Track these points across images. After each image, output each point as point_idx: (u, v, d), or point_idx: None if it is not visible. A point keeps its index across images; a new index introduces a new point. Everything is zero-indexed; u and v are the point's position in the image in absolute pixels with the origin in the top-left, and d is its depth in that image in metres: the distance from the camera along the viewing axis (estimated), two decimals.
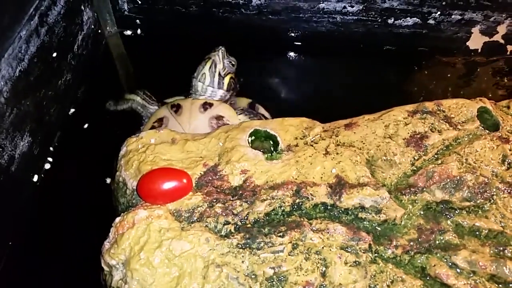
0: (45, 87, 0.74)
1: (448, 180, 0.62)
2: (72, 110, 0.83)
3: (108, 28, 0.97)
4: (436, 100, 0.71)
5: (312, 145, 0.66)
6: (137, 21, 0.95)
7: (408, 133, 0.67)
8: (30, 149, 0.70)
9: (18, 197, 0.68)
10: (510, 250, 0.57)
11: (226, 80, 0.78)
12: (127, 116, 0.85)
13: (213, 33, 0.96)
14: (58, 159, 0.76)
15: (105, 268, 0.55)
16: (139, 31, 0.97)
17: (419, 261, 0.56)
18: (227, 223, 0.57)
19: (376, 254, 0.56)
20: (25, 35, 0.66)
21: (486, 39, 0.92)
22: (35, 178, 0.72)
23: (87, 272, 0.60)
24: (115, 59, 0.95)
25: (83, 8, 0.86)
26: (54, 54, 0.76)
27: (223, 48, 0.79)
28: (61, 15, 0.77)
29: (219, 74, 0.77)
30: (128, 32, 0.98)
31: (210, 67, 0.77)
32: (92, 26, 0.90)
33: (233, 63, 0.80)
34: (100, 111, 0.85)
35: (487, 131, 0.68)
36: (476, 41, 0.92)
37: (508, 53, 0.94)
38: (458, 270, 0.55)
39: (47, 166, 0.75)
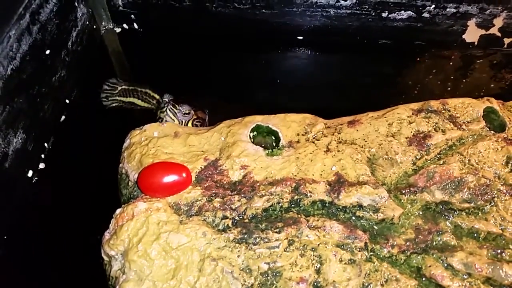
0: (39, 84, 0.74)
1: (449, 180, 0.61)
2: (67, 106, 0.84)
3: (103, 23, 0.98)
4: (441, 99, 0.70)
5: (313, 142, 0.66)
6: (132, 16, 0.96)
7: (412, 132, 0.67)
8: (24, 145, 0.71)
9: (12, 192, 0.70)
10: (508, 253, 0.56)
11: (189, 125, 0.77)
12: (122, 113, 0.86)
13: (207, 28, 0.96)
14: (53, 154, 0.77)
15: (105, 258, 0.57)
16: (135, 26, 0.97)
17: (415, 261, 0.56)
18: (225, 217, 0.58)
19: (371, 253, 0.56)
20: (15, 34, 0.67)
21: (483, 32, 0.90)
22: (30, 173, 0.73)
23: (89, 262, 0.61)
24: (110, 55, 0.96)
25: (76, 5, 0.87)
26: (47, 52, 0.76)
27: (170, 105, 0.75)
28: (54, 12, 0.78)
29: (181, 123, 0.76)
30: (124, 27, 0.98)
31: (169, 119, 0.75)
32: (87, 22, 0.91)
33: (186, 111, 0.75)
34: (95, 107, 0.85)
35: (493, 132, 0.67)
36: (472, 34, 0.91)
37: (505, 46, 0.93)
38: (454, 272, 0.55)
39: (42, 161, 0.76)
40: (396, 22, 0.88)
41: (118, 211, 0.58)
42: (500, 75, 0.90)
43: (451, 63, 0.92)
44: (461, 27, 0.90)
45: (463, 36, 0.92)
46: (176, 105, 0.75)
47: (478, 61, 0.93)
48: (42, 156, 0.76)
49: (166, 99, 0.74)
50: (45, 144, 0.77)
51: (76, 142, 0.80)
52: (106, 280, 0.57)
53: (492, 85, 0.88)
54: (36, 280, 0.65)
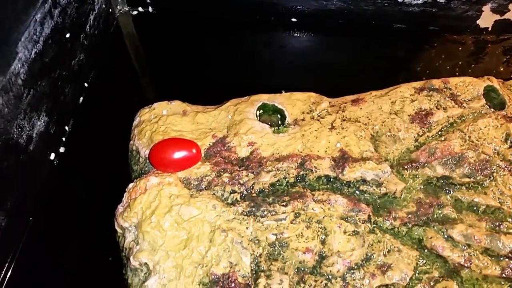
0: (60, 68, 0.75)
1: (450, 156, 0.63)
2: (86, 89, 0.85)
3: (118, 7, 0.98)
4: (443, 78, 0.72)
5: (318, 120, 0.68)
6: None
7: (414, 109, 0.68)
8: (47, 128, 0.73)
9: (37, 174, 0.71)
10: (506, 226, 0.59)
11: None
12: (140, 93, 0.88)
13: (223, 11, 0.96)
14: (73, 137, 0.79)
15: (119, 230, 0.59)
16: (150, 9, 0.98)
17: (416, 233, 0.59)
18: (234, 191, 0.60)
19: (374, 225, 0.59)
20: (39, 17, 0.68)
21: (497, 17, 0.91)
22: (52, 156, 0.75)
23: (104, 235, 0.63)
24: (125, 38, 0.96)
25: None
26: (68, 35, 0.77)
27: None
28: None
29: None
30: (139, 10, 0.99)
31: None
32: (103, 6, 0.91)
33: None
34: (112, 89, 0.87)
35: (493, 110, 0.69)
36: (486, 19, 0.91)
37: None
38: (454, 243, 0.58)
39: (63, 144, 0.78)
40: (412, 7, 0.89)
41: (130, 185, 0.60)
42: None
43: (464, 48, 0.92)
44: (475, 12, 0.90)
45: (477, 22, 0.92)
46: None
47: (491, 47, 0.93)
48: (63, 139, 0.78)
49: None
50: (66, 127, 0.79)
51: (94, 124, 0.81)
52: (120, 251, 0.59)
53: (504, 70, 0.89)
54: (59, 256, 0.67)
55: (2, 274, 0.63)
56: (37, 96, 0.69)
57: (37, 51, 0.68)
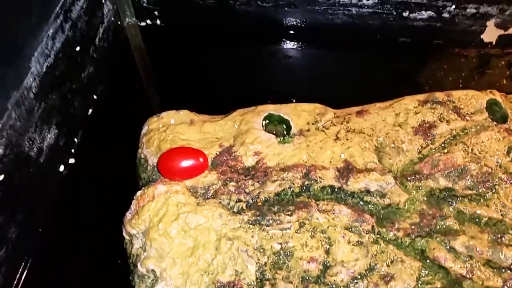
0: (70, 81, 0.77)
1: (453, 168, 0.64)
2: (95, 101, 0.86)
3: (127, 19, 0.99)
4: (446, 91, 0.73)
5: (323, 130, 0.69)
6: (155, 12, 0.98)
7: (417, 122, 0.70)
8: (57, 140, 0.73)
9: (46, 186, 0.72)
10: (508, 238, 0.60)
11: None
12: (148, 104, 0.89)
13: (231, 25, 0.98)
14: (82, 148, 0.80)
15: (126, 237, 0.60)
16: (158, 22, 1.00)
17: (419, 244, 0.60)
18: (239, 200, 0.61)
19: (378, 236, 0.60)
20: (51, 32, 0.69)
21: (501, 32, 0.92)
22: (61, 168, 0.76)
23: (112, 243, 0.64)
24: (133, 50, 0.98)
25: (103, 1, 0.88)
26: (78, 48, 0.78)
27: None
28: (84, 9, 0.79)
29: None
30: (147, 23, 1.00)
31: None
32: (112, 18, 0.92)
33: None
34: (120, 101, 0.88)
35: (495, 123, 0.70)
36: (490, 34, 0.93)
37: None
38: (456, 254, 0.58)
39: (73, 155, 0.78)
40: (416, 21, 0.90)
41: (138, 193, 0.61)
42: None
43: (468, 62, 0.94)
44: (480, 27, 0.92)
45: (482, 36, 0.94)
46: None
47: (495, 61, 0.94)
48: (72, 150, 0.79)
49: None
50: (75, 139, 0.80)
51: (102, 135, 0.82)
52: (127, 258, 0.60)
53: (508, 84, 0.90)
54: (69, 265, 0.68)
55: (14, 284, 0.64)
56: (47, 109, 0.70)
57: (48, 65, 0.69)
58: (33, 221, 0.68)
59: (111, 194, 0.75)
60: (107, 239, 0.68)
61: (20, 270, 0.65)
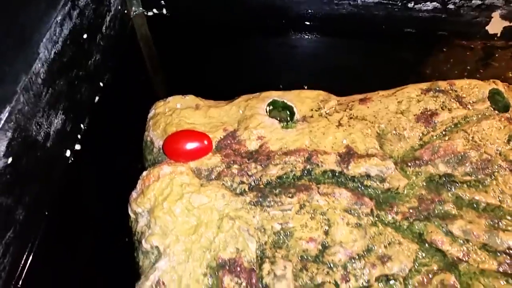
0: (77, 68, 0.78)
1: (453, 155, 0.65)
2: (101, 88, 0.88)
3: (133, 8, 1.01)
4: (449, 80, 0.74)
5: (326, 117, 0.71)
6: (162, 2, 1.00)
7: (419, 109, 0.71)
8: (64, 126, 0.75)
9: (53, 171, 0.74)
10: (505, 223, 0.60)
11: None
12: (153, 93, 0.91)
13: (237, 15, 0.99)
14: (88, 134, 0.82)
15: (132, 215, 0.62)
16: (164, 11, 1.01)
17: (417, 227, 0.61)
18: (242, 182, 0.63)
19: (377, 218, 0.61)
20: (60, 19, 0.71)
21: (506, 23, 0.92)
22: (68, 153, 0.78)
23: (118, 223, 0.66)
24: (139, 39, 0.99)
25: None
26: (85, 36, 0.80)
27: None
28: None
29: None
30: (154, 12, 1.01)
31: None
32: (119, 7, 0.94)
33: None
34: (126, 89, 0.90)
35: (497, 112, 0.71)
36: (495, 25, 0.93)
37: None
38: (453, 238, 0.59)
39: (79, 141, 0.80)
40: (422, 12, 0.91)
41: (144, 173, 0.63)
42: None
43: (472, 54, 0.94)
44: (485, 18, 0.92)
45: (486, 28, 0.94)
46: None
47: (500, 52, 0.94)
48: (79, 136, 0.81)
49: None
50: (81, 125, 0.82)
51: (108, 122, 0.84)
52: (132, 235, 0.62)
53: None
54: (75, 246, 0.70)
55: (21, 264, 0.66)
56: (55, 94, 0.72)
57: (56, 52, 0.71)
58: (40, 204, 0.70)
59: (117, 179, 0.76)
60: (113, 220, 0.70)
61: (28, 250, 0.67)
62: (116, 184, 0.75)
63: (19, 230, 0.65)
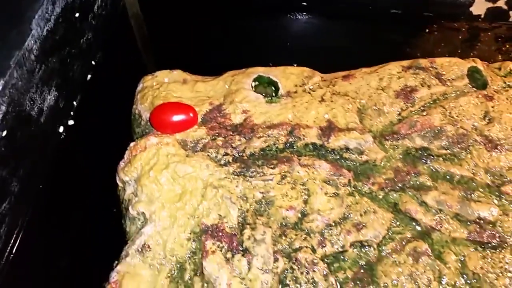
0: (69, 45, 0.80)
1: (429, 129, 0.68)
2: (93, 66, 0.89)
3: None
4: (430, 58, 0.76)
5: (309, 93, 0.73)
6: None
7: (400, 86, 0.73)
8: (57, 102, 0.77)
9: (46, 145, 0.76)
10: (477, 194, 0.63)
11: None
12: (144, 71, 0.92)
13: None
14: (81, 111, 0.84)
15: (119, 184, 0.65)
16: None
17: (392, 197, 0.64)
18: (226, 154, 0.65)
19: (354, 189, 0.64)
20: None
21: (490, 5, 0.94)
22: (61, 129, 0.80)
23: (107, 193, 0.68)
24: (130, 18, 1.00)
25: None
26: (77, 14, 0.81)
27: None
28: None
29: None
30: None
31: None
32: None
33: None
34: (119, 70, 0.91)
35: (474, 89, 0.73)
36: (479, 6, 0.94)
37: (511, 19, 0.96)
38: (427, 208, 0.62)
39: (71, 117, 0.82)
40: None
41: (132, 144, 0.65)
42: (505, 47, 0.93)
43: (457, 35, 0.96)
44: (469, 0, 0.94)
45: (471, 9, 0.96)
46: None
47: (483, 33, 0.96)
48: (71, 113, 0.82)
49: None
50: (74, 102, 0.83)
51: (100, 99, 0.86)
52: (120, 203, 0.65)
53: (496, 57, 0.91)
54: (67, 216, 0.72)
55: (14, 235, 0.68)
56: (48, 71, 0.73)
57: (49, 29, 0.72)
58: (34, 177, 0.72)
59: (108, 153, 0.76)
60: (104, 192, 0.72)
61: (21, 221, 0.69)
62: (107, 158, 0.76)
63: (14, 201, 0.67)
